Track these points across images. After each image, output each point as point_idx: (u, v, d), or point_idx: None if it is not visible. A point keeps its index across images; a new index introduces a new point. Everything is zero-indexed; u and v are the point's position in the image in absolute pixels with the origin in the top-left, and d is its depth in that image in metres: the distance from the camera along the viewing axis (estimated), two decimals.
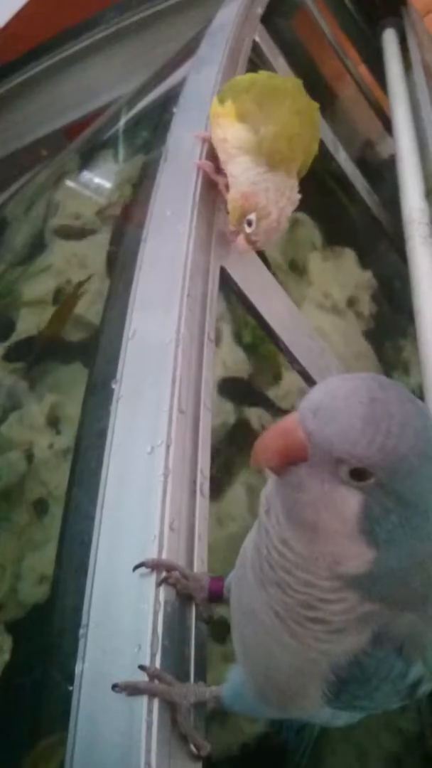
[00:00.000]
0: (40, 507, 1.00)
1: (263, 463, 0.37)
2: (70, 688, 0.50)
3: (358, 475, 0.35)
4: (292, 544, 0.39)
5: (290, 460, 0.36)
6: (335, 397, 0.36)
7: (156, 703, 0.46)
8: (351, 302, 1.60)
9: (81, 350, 1.07)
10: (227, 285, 0.80)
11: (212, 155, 0.88)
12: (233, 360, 1.20)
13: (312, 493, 0.36)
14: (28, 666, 0.86)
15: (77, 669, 0.50)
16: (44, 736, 0.71)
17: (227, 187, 0.86)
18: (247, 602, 0.44)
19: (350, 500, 0.35)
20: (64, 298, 1.07)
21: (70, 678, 0.50)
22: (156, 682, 0.46)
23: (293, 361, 0.84)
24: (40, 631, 0.87)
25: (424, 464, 0.35)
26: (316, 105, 0.87)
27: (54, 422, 1.05)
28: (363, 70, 2.13)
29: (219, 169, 0.87)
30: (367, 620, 0.39)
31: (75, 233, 1.21)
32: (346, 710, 0.46)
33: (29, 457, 1.03)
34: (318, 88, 1.87)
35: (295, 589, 0.39)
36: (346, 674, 0.41)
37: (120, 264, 0.92)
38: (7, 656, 0.88)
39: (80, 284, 1.08)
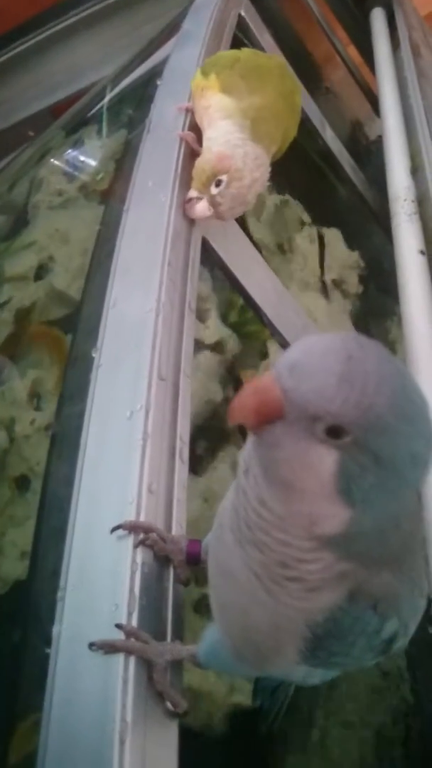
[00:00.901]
0: (22, 483, 1.00)
1: (240, 421, 0.37)
2: (48, 651, 0.50)
3: (334, 432, 0.35)
4: (269, 504, 0.39)
5: (266, 418, 0.36)
6: (311, 355, 0.35)
7: (132, 661, 0.46)
8: (338, 283, 1.60)
9: (63, 327, 1.06)
10: (209, 256, 0.80)
11: (195, 127, 0.88)
12: (219, 338, 1.20)
13: (288, 451, 0.36)
14: (9, 640, 0.86)
15: (55, 630, 0.50)
16: (24, 709, 0.72)
17: None
18: (225, 562, 0.45)
19: (326, 458, 0.35)
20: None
21: (48, 643, 0.50)
22: (132, 640, 0.47)
23: (275, 333, 0.84)
24: (23, 606, 0.87)
25: (400, 423, 0.35)
26: (299, 88, 0.86)
27: (36, 399, 1.04)
28: (352, 52, 2.12)
29: (201, 141, 0.87)
30: (343, 579, 0.40)
31: (58, 209, 1.20)
32: (322, 667, 0.47)
33: (11, 433, 1.03)
34: (305, 67, 1.86)
35: (272, 548, 0.40)
36: (321, 631, 0.41)
37: (102, 236, 0.91)
38: None
39: None
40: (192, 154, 0.84)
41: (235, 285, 0.84)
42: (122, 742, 0.43)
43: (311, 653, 0.43)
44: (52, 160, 1.33)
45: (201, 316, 1.16)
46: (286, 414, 0.35)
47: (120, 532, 0.51)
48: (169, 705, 0.47)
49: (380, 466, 0.35)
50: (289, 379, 0.35)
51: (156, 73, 1.24)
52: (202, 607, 0.81)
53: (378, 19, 1.85)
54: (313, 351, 0.36)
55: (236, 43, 1.13)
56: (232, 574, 0.44)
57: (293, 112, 0.84)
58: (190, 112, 0.88)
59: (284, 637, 0.43)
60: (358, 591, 0.40)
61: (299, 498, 0.37)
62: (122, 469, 0.55)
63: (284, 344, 0.85)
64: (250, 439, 0.40)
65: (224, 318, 1.23)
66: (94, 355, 0.66)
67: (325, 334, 0.38)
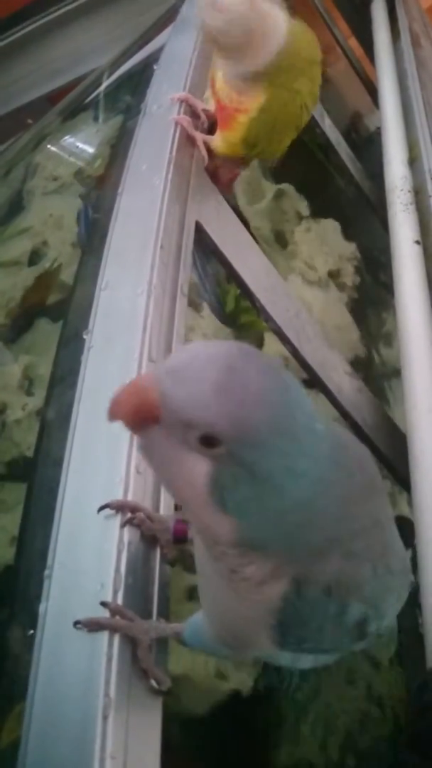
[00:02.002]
0: (13, 468, 1.00)
1: (118, 419, 0.35)
2: (32, 631, 0.50)
3: (208, 442, 0.34)
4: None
5: (143, 419, 0.35)
6: (193, 361, 0.34)
7: (117, 638, 0.46)
8: (334, 274, 1.60)
9: (56, 312, 1.06)
10: (203, 240, 0.79)
11: (190, 112, 0.88)
12: (214, 329, 1.19)
13: (165, 456, 0.35)
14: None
15: (41, 608, 0.50)
16: (12, 695, 0.72)
17: (205, 143, 0.85)
18: (199, 557, 0.45)
19: (199, 467, 0.34)
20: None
21: (33, 623, 0.50)
22: (117, 618, 0.47)
23: (268, 319, 0.84)
24: (11, 590, 0.87)
25: (278, 439, 0.34)
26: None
27: (28, 383, 1.04)
28: (353, 43, 2.11)
29: (197, 126, 0.86)
30: (283, 573, 0.39)
31: (52, 194, 1.20)
32: (301, 653, 0.47)
33: (2, 418, 1.03)
34: None
35: (217, 558, 0.40)
36: (282, 618, 0.41)
37: (96, 220, 0.91)
38: None
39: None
40: (188, 139, 0.83)
41: (228, 269, 0.83)
42: (105, 718, 0.43)
43: (282, 639, 0.43)
44: (48, 145, 1.33)
45: (196, 307, 1.16)
46: (163, 418, 0.34)
47: (107, 511, 0.51)
48: (153, 682, 0.47)
49: (254, 480, 0.34)
50: (167, 382, 0.34)
51: (153, 59, 1.24)
52: (195, 595, 0.81)
53: (379, 10, 1.84)
54: (195, 357, 0.35)
55: None
56: (203, 568, 0.44)
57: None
58: (183, 102, 0.88)
59: (254, 626, 0.43)
60: (303, 580, 0.39)
61: (186, 505, 0.37)
62: (111, 449, 0.55)
63: (277, 330, 0.85)
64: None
65: (222, 307, 1.23)
66: (85, 336, 0.66)
67: (212, 341, 0.37)
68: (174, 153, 0.79)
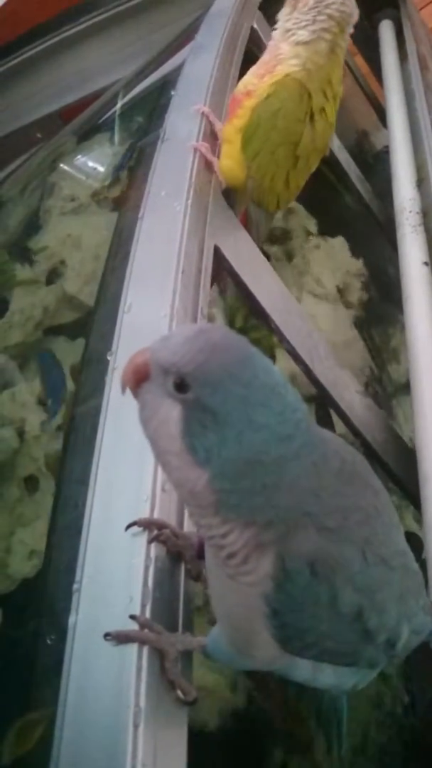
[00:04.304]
0: (31, 483, 1.02)
1: (123, 384, 0.43)
2: (55, 642, 0.52)
3: (179, 387, 0.40)
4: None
5: (138, 377, 0.42)
6: (179, 329, 0.44)
7: (145, 650, 0.48)
8: (342, 290, 1.62)
9: (72, 331, 1.08)
10: (220, 263, 0.82)
11: (209, 137, 0.90)
12: None
13: (149, 408, 0.42)
14: (18, 636, 0.88)
15: (71, 620, 0.52)
16: (34, 703, 0.74)
17: (219, 168, 0.88)
18: (207, 558, 0.49)
19: (173, 412, 0.40)
20: None
21: (61, 636, 0.52)
22: (146, 631, 0.49)
23: (282, 339, 0.86)
24: (30, 604, 0.89)
25: (234, 385, 0.39)
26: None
27: (45, 400, 1.07)
28: (359, 61, 2.15)
29: (214, 150, 0.89)
30: (263, 543, 0.42)
31: (70, 215, 1.23)
32: (307, 655, 0.47)
33: (21, 434, 1.05)
34: None
35: (207, 535, 0.43)
36: (276, 603, 0.43)
37: (115, 243, 0.94)
38: None
39: None
40: (206, 165, 0.86)
41: (244, 292, 0.86)
42: (136, 727, 0.45)
43: (280, 632, 0.44)
44: (63, 165, 1.35)
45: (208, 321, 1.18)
46: (152, 374, 0.41)
47: (135, 528, 0.54)
48: (179, 693, 0.49)
49: (218, 426, 0.39)
50: (157, 344, 0.42)
51: (168, 81, 1.27)
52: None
53: (386, 31, 1.88)
54: (181, 328, 0.46)
55: (248, 56, 1.16)
56: (209, 566, 0.48)
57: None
58: (205, 117, 0.91)
59: (253, 618, 0.45)
60: (284, 552, 0.42)
61: (168, 464, 0.42)
62: (137, 468, 0.57)
63: (291, 351, 0.88)
64: None
65: (230, 324, 1.26)
66: (108, 358, 0.68)
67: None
68: (193, 179, 0.82)
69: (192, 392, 0.40)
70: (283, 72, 0.83)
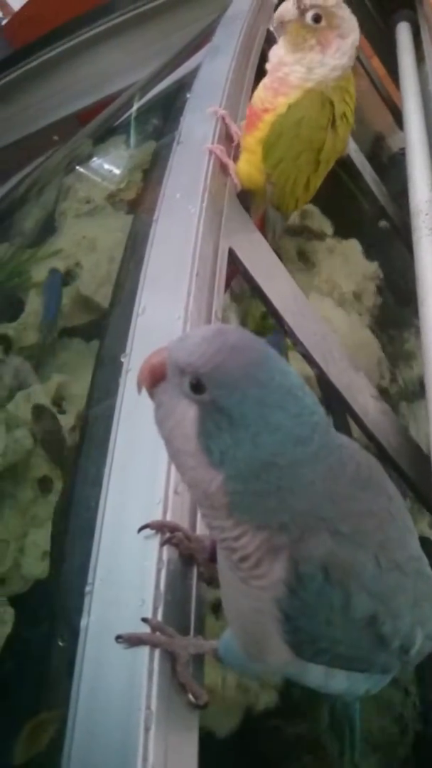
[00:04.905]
0: (44, 484, 1.03)
1: (139, 383, 0.43)
2: (65, 644, 0.52)
3: (196, 387, 0.40)
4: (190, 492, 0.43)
5: (154, 377, 0.42)
6: (197, 331, 0.43)
7: (157, 653, 0.48)
8: (357, 293, 1.62)
9: (87, 332, 1.09)
10: (235, 266, 0.82)
11: (225, 133, 0.90)
12: None
13: (165, 408, 0.42)
14: (30, 637, 0.88)
15: (83, 623, 0.52)
16: (45, 704, 0.74)
17: (236, 172, 0.88)
18: (219, 562, 0.48)
19: (189, 413, 0.40)
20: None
21: (74, 638, 0.52)
22: (158, 634, 0.49)
23: (297, 343, 0.86)
24: (43, 604, 0.90)
25: (250, 386, 0.39)
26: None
27: (59, 401, 1.07)
28: (376, 63, 2.14)
29: (229, 153, 0.89)
30: (276, 547, 0.42)
31: (85, 217, 1.23)
32: (320, 660, 0.47)
33: (35, 434, 1.06)
34: None
35: (220, 538, 0.43)
36: (288, 608, 0.43)
37: (130, 245, 0.94)
38: (9, 628, 0.91)
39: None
40: (221, 168, 0.86)
41: (258, 294, 0.86)
42: (147, 730, 0.45)
43: (292, 637, 0.44)
44: (79, 168, 1.36)
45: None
46: (168, 375, 0.41)
47: (147, 531, 0.54)
48: (191, 696, 0.49)
49: (234, 427, 0.39)
50: (174, 344, 0.42)
51: (184, 84, 1.27)
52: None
53: (403, 33, 1.87)
54: (198, 329, 0.44)
55: (264, 58, 1.15)
56: (221, 569, 0.48)
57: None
58: (221, 119, 0.91)
59: (266, 623, 0.44)
60: (297, 556, 0.41)
61: (182, 464, 0.42)
62: (150, 470, 0.57)
63: (305, 353, 0.87)
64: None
65: (243, 326, 1.26)
66: (122, 360, 0.68)
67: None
68: (209, 182, 0.82)
69: (208, 393, 0.39)
70: (304, 87, 0.82)
